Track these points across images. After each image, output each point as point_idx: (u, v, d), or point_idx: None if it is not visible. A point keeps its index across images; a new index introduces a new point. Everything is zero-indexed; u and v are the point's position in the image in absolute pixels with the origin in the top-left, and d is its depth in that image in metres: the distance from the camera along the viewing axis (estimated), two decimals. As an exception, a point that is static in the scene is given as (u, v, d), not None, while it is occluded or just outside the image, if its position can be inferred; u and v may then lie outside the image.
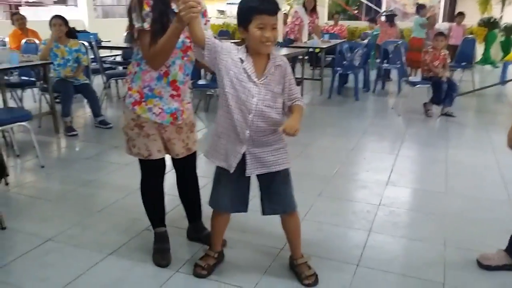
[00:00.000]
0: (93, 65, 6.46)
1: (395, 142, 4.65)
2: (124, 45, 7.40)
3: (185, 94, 2.26)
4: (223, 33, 10.27)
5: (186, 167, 2.44)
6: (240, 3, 1.90)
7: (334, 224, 2.81)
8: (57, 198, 3.21)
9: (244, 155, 2.00)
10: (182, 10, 1.79)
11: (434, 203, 3.13)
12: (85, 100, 5.36)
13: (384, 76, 7.89)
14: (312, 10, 7.69)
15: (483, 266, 2.29)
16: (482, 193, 3.29)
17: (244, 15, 1.86)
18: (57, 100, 5.03)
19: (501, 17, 12.95)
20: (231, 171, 2.02)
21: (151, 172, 2.32)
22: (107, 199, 3.14)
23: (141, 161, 2.27)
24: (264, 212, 2.16)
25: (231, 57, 1.92)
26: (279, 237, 2.54)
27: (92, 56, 6.39)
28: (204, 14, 2.14)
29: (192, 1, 1.77)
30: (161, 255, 2.36)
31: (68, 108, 4.81)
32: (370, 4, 17.13)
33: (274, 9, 1.84)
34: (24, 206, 3.08)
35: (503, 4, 15.11)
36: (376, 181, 3.52)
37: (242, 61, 1.92)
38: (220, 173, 2.10)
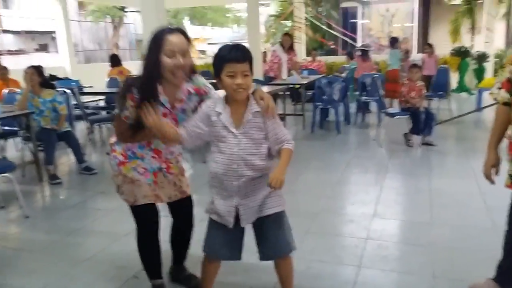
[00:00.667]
0: (76, 111, 6.48)
1: (379, 173, 4.72)
2: (107, 90, 7.48)
3: (169, 154, 2.30)
4: (205, 73, 10.40)
5: (181, 212, 2.44)
6: (214, 54, 2.01)
7: (324, 261, 2.81)
8: (43, 249, 3.15)
9: (236, 207, 2.02)
10: (152, 128, 1.96)
11: (421, 234, 3.16)
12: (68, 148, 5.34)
13: (363, 108, 8.07)
14: (289, 48, 7.92)
15: None
16: (467, 221, 3.34)
17: (217, 65, 1.95)
18: (40, 149, 5.01)
19: (472, 46, 13.44)
20: (231, 226, 2.05)
21: (142, 220, 2.30)
22: (93, 247, 3.11)
23: (131, 208, 2.28)
24: (260, 258, 2.15)
25: (211, 115, 2.00)
26: (268, 278, 2.54)
27: (75, 102, 6.40)
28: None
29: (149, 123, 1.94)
30: None
31: (51, 156, 4.79)
32: (345, 38, 17.64)
33: (242, 57, 1.90)
34: (9, 260, 3.02)
35: (473, 33, 15.75)
36: (363, 214, 3.56)
37: (219, 114, 1.98)
38: (212, 219, 2.12)
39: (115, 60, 8.28)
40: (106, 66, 8.64)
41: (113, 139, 2.25)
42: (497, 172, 2.15)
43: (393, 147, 5.90)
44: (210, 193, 2.13)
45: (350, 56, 10.16)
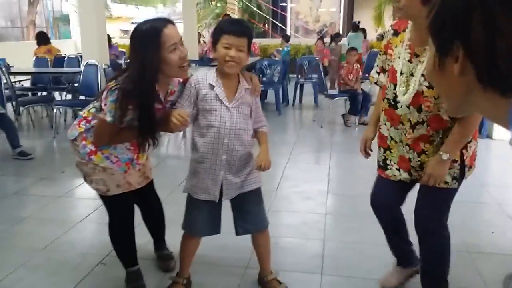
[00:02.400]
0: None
1: (325, 152, 4.92)
2: (33, 70, 6.98)
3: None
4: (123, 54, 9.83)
5: (147, 194, 2.39)
6: (215, 25, 2.01)
7: (290, 237, 2.90)
8: (-10, 241, 2.92)
9: (221, 182, 2.03)
10: (174, 127, 1.87)
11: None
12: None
13: (301, 90, 8.27)
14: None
15: None
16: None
17: (216, 34, 1.95)
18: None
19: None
20: (217, 201, 2.04)
21: (116, 210, 2.20)
22: (48, 236, 2.93)
23: (102, 198, 2.17)
24: (237, 233, 2.19)
25: (199, 93, 1.96)
26: (241, 255, 2.59)
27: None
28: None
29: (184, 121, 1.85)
30: None
31: (-18, 141, 4.41)
32: (276, 22, 17.84)
33: (240, 31, 1.91)
34: (-49, 254, 2.76)
35: (393, 19, 16.58)
36: (318, 191, 3.70)
37: (212, 86, 1.95)
38: (193, 197, 2.09)
39: (42, 38, 7.69)
40: (25, 44, 8.02)
41: (83, 126, 2.05)
42: (368, 147, 2.23)
43: (333, 127, 6.14)
44: (190, 177, 2.10)
45: (286, 38, 10.30)
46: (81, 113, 2.11)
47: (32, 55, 7.62)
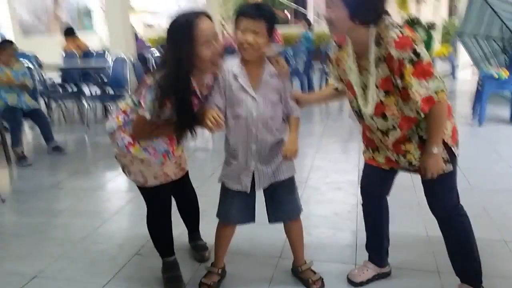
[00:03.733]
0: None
1: (353, 141, 4.87)
2: (64, 65, 7.12)
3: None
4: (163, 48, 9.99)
5: (183, 185, 2.43)
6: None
7: (322, 227, 2.90)
8: (31, 232, 3.02)
9: (253, 172, 2.04)
10: (207, 124, 1.85)
11: (406, 195, 3.29)
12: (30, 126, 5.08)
13: (327, 79, 8.20)
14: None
15: (357, 284, 2.26)
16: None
17: (234, 19, 1.91)
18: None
19: (418, 15, 13.88)
20: (248, 191, 2.06)
21: (154, 201, 2.24)
22: (86, 228, 3.02)
23: (141, 189, 2.21)
24: (270, 220, 2.21)
25: (228, 79, 1.96)
26: (274, 245, 2.62)
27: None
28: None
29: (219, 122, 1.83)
30: (174, 283, 2.29)
31: (18, 137, 4.55)
32: (296, 6, 17.60)
33: (256, 14, 1.84)
34: (-5, 246, 2.88)
35: (418, 2, 16.24)
36: (348, 181, 3.68)
37: (235, 76, 1.95)
38: (226, 186, 2.12)
39: (69, 33, 7.84)
40: (52, 40, 8.17)
41: (121, 118, 2.08)
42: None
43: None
44: (224, 167, 2.13)
45: (308, 22, 10.06)
46: (119, 105, 2.14)
47: (58, 49, 7.77)
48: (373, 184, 2.19)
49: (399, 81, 1.73)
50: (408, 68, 1.68)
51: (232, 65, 1.97)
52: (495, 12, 6.51)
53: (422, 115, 1.79)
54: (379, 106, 1.84)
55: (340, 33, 1.85)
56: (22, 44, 9.71)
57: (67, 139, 5.74)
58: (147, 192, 2.20)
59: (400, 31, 1.69)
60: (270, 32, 1.90)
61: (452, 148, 1.90)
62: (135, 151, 2.07)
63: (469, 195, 3.27)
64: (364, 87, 1.87)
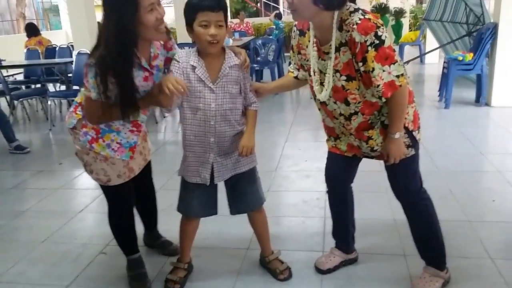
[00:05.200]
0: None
1: (323, 129, 4.85)
2: (25, 62, 6.90)
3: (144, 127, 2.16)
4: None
5: (143, 177, 2.33)
6: (186, 2, 1.86)
7: (291, 216, 2.89)
8: (-10, 236, 2.91)
9: (212, 164, 1.99)
10: (163, 100, 1.80)
11: (373, 180, 3.30)
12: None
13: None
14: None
15: (324, 271, 2.25)
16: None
17: (188, 14, 1.83)
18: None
19: (387, 2, 14.01)
20: (207, 184, 2.01)
21: (116, 200, 2.16)
22: (48, 228, 2.92)
23: (103, 187, 2.12)
24: (231, 212, 2.18)
25: (184, 72, 1.89)
26: (241, 237, 2.59)
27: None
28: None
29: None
30: (140, 281, 2.23)
31: (-23, 137, 4.37)
32: (267, 1, 17.59)
33: (216, 5, 1.79)
34: (-48, 251, 2.75)
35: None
36: (317, 169, 3.66)
37: (193, 67, 1.89)
38: (186, 180, 2.07)
39: (32, 30, 7.60)
40: (15, 37, 7.93)
41: (79, 112, 1.99)
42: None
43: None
44: (183, 160, 2.08)
45: (279, 16, 10.16)
46: (76, 99, 2.05)
47: (23, 48, 7.54)
48: (337, 172, 2.18)
49: (361, 66, 1.71)
50: (370, 52, 1.66)
51: (188, 56, 1.91)
52: (460, -4, 6.60)
53: (383, 100, 1.77)
54: (340, 91, 1.82)
55: (303, 19, 1.81)
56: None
57: (31, 137, 5.57)
58: (109, 190, 2.12)
59: (363, 15, 1.68)
60: (226, 20, 1.87)
61: (414, 133, 1.90)
62: (98, 147, 1.99)
63: (436, 177, 3.31)
64: (322, 73, 1.85)
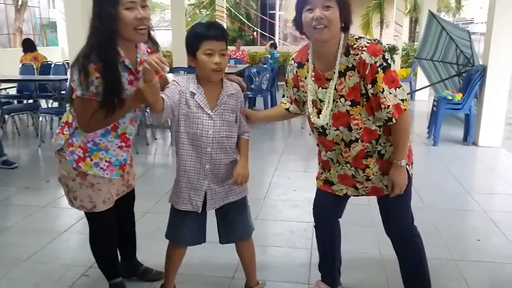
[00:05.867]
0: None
1: (313, 160, 4.85)
2: (19, 77, 6.90)
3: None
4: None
5: (124, 204, 2.29)
6: (188, 31, 1.92)
7: (277, 246, 2.88)
8: (-29, 252, 2.85)
9: (205, 192, 2.00)
10: (147, 92, 1.70)
11: (363, 215, 3.33)
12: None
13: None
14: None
15: None
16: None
17: (192, 42, 1.87)
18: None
19: (381, 39, 14.36)
20: (199, 211, 2.01)
21: (99, 225, 2.13)
22: (31, 247, 2.87)
23: (87, 214, 2.10)
24: (221, 241, 2.16)
25: (182, 97, 1.91)
26: (227, 266, 2.57)
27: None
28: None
29: (155, 82, 1.69)
30: None
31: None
32: (263, 32, 17.90)
33: (221, 34, 1.86)
34: None
35: (381, 28, 16.79)
36: (306, 199, 3.66)
37: (193, 94, 1.92)
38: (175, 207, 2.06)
39: (28, 45, 7.63)
40: (12, 52, 7.96)
41: (66, 131, 1.97)
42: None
43: (321, 135, 6.13)
44: (175, 186, 2.08)
45: (274, 46, 10.34)
46: (62, 119, 2.03)
47: (18, 62, 7.55)
48: (325, 208, 2.17)
49: (370, 88, 1.76)
50: (380, 73, 1.73)
51: (188, 82, 1.94)
52: (450, 38, 6.78)
53: (380, 132, 1.84)
54: (345, 116, 1.85)
55: (331, 36, 1.78)
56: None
57: (20, 153, 5.52)
58: (93, 216, 2.09)
59: (369, 40, 1.78)
60: (227, 49, 1.92)
61: (407, 167, 1.92)
62: (85, 166, 1.96)
63: (422, 213, 3.33)
64: (322, 102, 1.88)
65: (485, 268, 2.62)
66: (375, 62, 1.73)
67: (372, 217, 3.21)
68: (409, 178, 1.94)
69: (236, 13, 16.58)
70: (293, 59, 2.02)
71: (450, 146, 5.63)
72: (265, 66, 9.00)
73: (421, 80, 9.16)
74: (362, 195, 2.05)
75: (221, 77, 1.95)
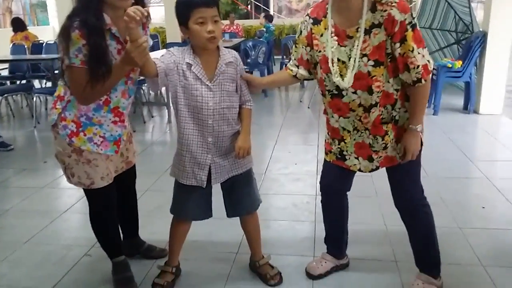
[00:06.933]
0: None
1: (312, 133, 4.85)
2: (11, 57, 6.76)
3: (128, 116, 2.07)
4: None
5: (125, 181, 2.24)
6: (177, 1, 1.81)
7: (281, 220, 2.85)
8: (-31, 236, 2.81)
9: (209, 166, 1.94)
10: (135, 53, 1.62)
11: (364, 185, 3.29)
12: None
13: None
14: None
15: (315, 276, 2.20)
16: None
17: (182, 12, 1.78)
18: None
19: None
20: (204, 186, 1.95)
21: (98, 203, 2.08)
22: (31, 228, 2.83)
23: (84, 190, 2.05)
24: (228, 215, 2.13)
25: (178, 67, 1.83)
26: (231, 240, 2.54)
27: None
28: (144, 26, 1.98)
29: (142, 41, 1.61)
30: (126, 285, 2.16)
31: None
32: (258, 3, 17.54)
33: (211, 1, 1.76)
34: None
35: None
36: (307, 172, 3.64)
37: (189, 65, 1.83)
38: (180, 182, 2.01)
39: (18, 24, 7.45)
40: (1, 32, 7.80)
41: (59, 105, 1.89)
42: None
43: (320, 107, 6.06)
44: (177, 159, 2.02)
45: (270, 19, 10.15)
46: (55, 94, 1.96)
47: (9, 43, 7.39)
48: (333, 182, 2.10)
49: (397, 47, 1.68)
50: (409, 31, 1.66)
51: (183, 53, 1.85)
52: (449, 4, 6.64)
53: (397, 96, 1.77)
54: (365, 78, 1.75)
55: None
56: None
57: (16, 134, 5.44)
58: (92, 193, 2.04)
59: None
60: (220, 16, 1.83)
61: (421, 135, 1.86)
62: (78, 141, 1.89)
63: (426, 184, 3.24)
64: (340, 61, 1.78)
65: (491, 235, 2.60)
66: (405, 19, 1.64)
67: (375, 187, 3.18)
68: (421, 145, 1.88)
69: (229, -14, 16.24)
70: (307, 15, 1.90)
71: (451, 115, 5.58)
72: (261, 39, 8.86)
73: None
74: (375, 168, 1.95)
75: (217, 45, 1.86)
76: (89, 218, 2.14)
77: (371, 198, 3.07)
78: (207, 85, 1.85)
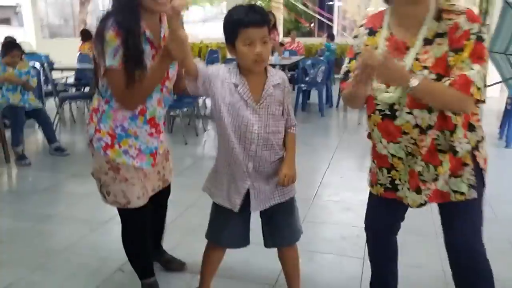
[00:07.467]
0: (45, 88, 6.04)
1: (369, 158, 4.54)
2: (77, 66, 7.04)
3: (164, 132, 2.00)
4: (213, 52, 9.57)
5: (158, 199, 2.15)
6: (225, 17, 1.69)
7: (325, 253, 2.63)
8: (12, 238, 2.83)
9: (247, 191, 1.78)
10: (173, 45, 1.56)
11: (422, 222, 2.99)
12: (37, 125, 4.96)
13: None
14: (272, 27, 7.61)
15: None
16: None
17: (230, 30, 1.66)
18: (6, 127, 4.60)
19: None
20: (236, 210, 1.80)
21: (133, 223, 1.99)
22: (70, 236, 2.81)
23: (119, 209, 1.97)
24: (266, 245, 1.96)
25: (224, 83, 1.70)
26: (269, 270, 2.35)
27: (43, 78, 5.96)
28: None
29: (181, 33, 1.55)
30: None
31: (18, 136, 4.39)
32: (323, 19, 17.37)
33: (261, 20, 1.62)
34: (-28, 251, 2.69)
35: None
36: (360, 201, 3.35)
37: (236, 85, 1.70)
38: (218, 203, 1.88)
39: (86, 35, 7.79)
40: (74, 42, 8.19)
41: (95, 118, 1.84)
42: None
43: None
44: (212, 176, 1.91)
45: (331, 37, 9.96)
46: (90, 108, 1.92)
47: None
48: (381, 221, 1.86)
49: (451, 55, 1.46)
50: (471, 41, 1.43)
51: (229, 73, 1.72)
52: (528, 28, 6.14)
53: (457, 121, 1.52)
54: None
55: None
56: (45, 46, 9.78)
57: (74, 140, 5.60)
58: (126, 213, 1.96)
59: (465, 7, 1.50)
60: (270, 34, 1.68)
61: (483, 173, 1.60)
62: (113, 153, 1.82)
63: (494, 226, 2.94)
64: None
65: None
66: (470, 29, 1.44)
67: (434, 226, 2.86)
68: (483, 187, 1.61)
69: (294, 3, 16.20)
70: (361, 25, 1.70)
71: (525, 148, 5.08)
72: (321, 58, 8.67)
73: (493, 75, 8.46)
74: (423, 203, 1.66)
75: (264, 67, 1.71)
76: (121, 237, 2.05)
77: (429, 237, 2.76)
78: (253, 107, 1.70)
